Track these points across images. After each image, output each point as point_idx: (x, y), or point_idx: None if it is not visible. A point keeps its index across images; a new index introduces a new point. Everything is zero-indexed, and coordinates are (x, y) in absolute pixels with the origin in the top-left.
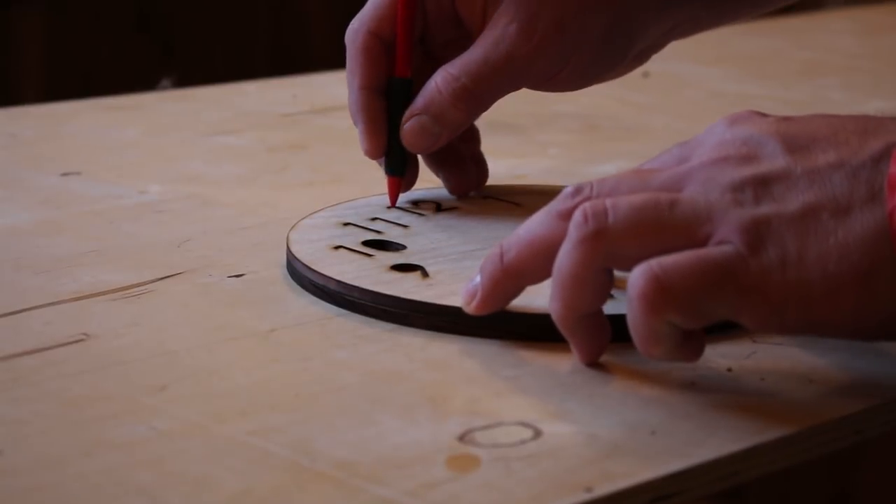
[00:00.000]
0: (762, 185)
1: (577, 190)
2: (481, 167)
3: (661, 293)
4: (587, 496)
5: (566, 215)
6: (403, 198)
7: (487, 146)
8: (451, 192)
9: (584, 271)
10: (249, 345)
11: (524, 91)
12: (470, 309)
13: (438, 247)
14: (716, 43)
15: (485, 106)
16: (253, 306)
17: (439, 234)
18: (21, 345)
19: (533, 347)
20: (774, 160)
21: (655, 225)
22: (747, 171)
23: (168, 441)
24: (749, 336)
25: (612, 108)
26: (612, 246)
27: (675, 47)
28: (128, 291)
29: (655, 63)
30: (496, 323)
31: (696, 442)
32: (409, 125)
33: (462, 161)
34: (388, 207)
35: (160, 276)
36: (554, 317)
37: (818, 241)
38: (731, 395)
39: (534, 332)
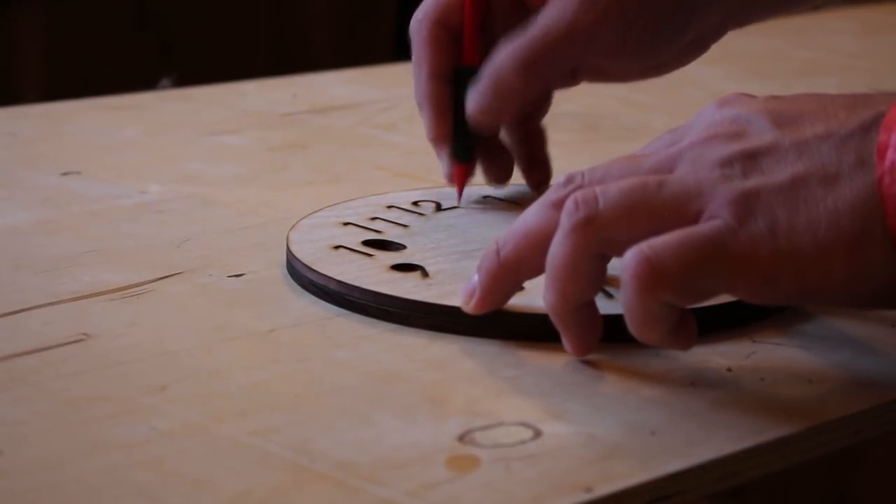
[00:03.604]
0: (750, 159)
1: (569, 179)
2: (545, 168)
3: (653, 273)
4: (587, 496)
5: (559, 204)
6: (403, 198)
7: None
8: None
9: (577, 259)
10: (249, 345)
11: None
12: (469, 308)
13: (438, 246)
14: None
15: (546, 77)
16: (253, 306)
17: (439, 233)
18: (20, 345)
19: (533, 348)
20: (763, 135)
21: (645, 206)
22: (736, 146)
23: (168, 441)
24: (749, 336)
25: (612, 108)
26: (603, 231)
27: None
28: (127, 291)
29: None
30: (496, 323)
31: (695, 442)
32: (474, 99)
33: (499, 150)
34: (457, 201)
35: (160, 276)
36: (547, 308)
37: (807, 208)
38: (730, 396)
39: (534, 332)
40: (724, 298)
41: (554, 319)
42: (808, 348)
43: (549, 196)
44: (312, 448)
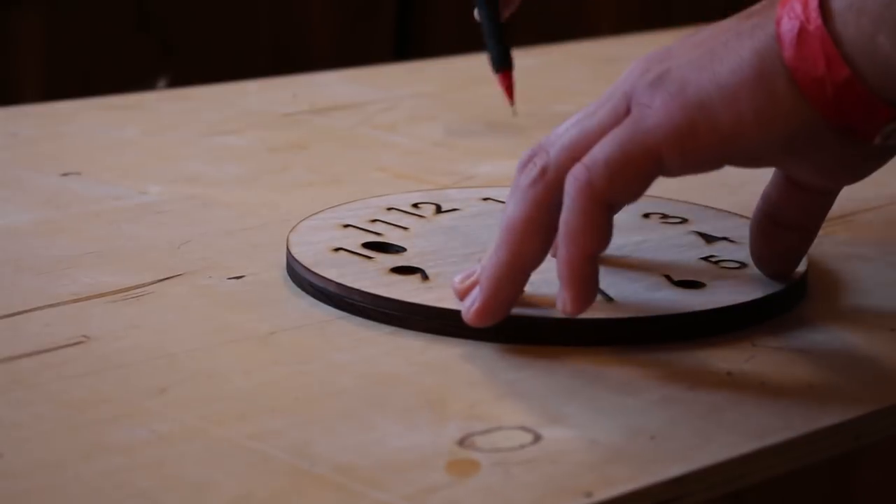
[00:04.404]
0: (665, 52)
1: (529, 156)
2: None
3: (587, 171)
4: (587, 501)
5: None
6: (403, 200)
7: (487, 146)
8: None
9: (538, 215)
10: (249, 347)
11: (523, 91)
12: (470, 316)
13: (438, 249)
14: None
15: None
16: (253, 308)
17: (439, 236)
18: (20, 347)
19: (533, 351)
20: (680, 42)
21: (584, 135)
22: (656, 53)
23: (168, 444)
24: (749, 340)
25: None
26: (556, 176)
27: None
28: (127, 293)
29: None
30: (496, 326)
31: (695, 446)
32: None
33: None
34: (512, 106)
35: (160, 278)
36: (493, 266)
37: (712, 65)
38: (730, 400)
39: (534, 335)
40: (725, 300)
41: (493, 276)
42: (807, 352)
43: (518, 182)
44: (312, 451)
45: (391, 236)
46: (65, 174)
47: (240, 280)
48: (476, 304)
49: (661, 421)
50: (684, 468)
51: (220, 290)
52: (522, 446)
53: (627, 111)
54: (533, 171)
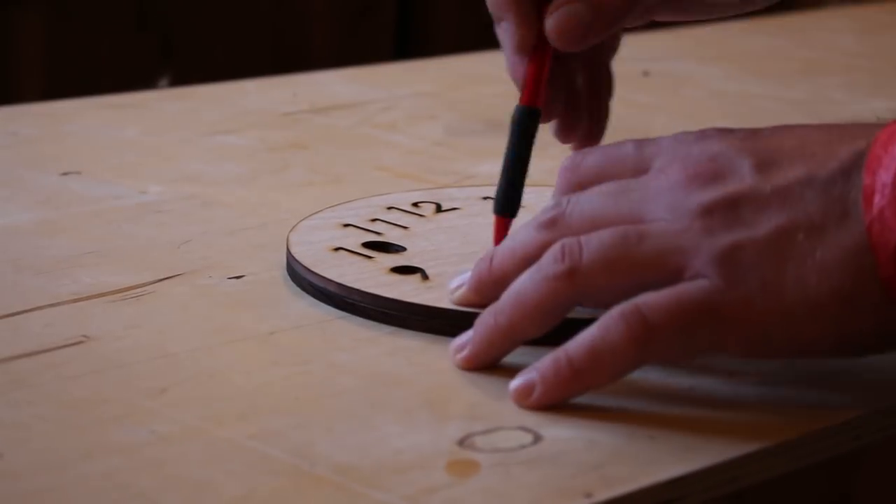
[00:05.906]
0: (731, 209)
1: (556, 204)
2: (600, 122)
3: (647, 331)
4: (587, 501)
5: (545, 226)
6: (403, 199)
7: (487, 146)
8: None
9: (550, 305)
10: (249, 347)
11: None
12: (456, 298)
13: (439, 248)
14: (716, 41)
15: None
16: (253, 308)
17: (439, 235)
18: (20, 347)
19: (532, 351)
20: (742, 179)
21: (626, 260)
22: (715, 193)
23: (168, 445)
24: None
25: (612, 109)
26: (583, 284)
27: (675, 45)
28: (127, 293)
29: (656, 62)
30: None
31: (695, 447)
32: (558, 13)
33: (576, 103)
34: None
35: (160, 278)
36: (491, 327)
37: (796, 264)
38: (730, 400)
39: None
40: None
41: (487, 336)
42: None
43: (537, 218)
44: (312, 451)
45: (391, 236)
46: (65, 174)
47: (240, 280)
48: (465, 354)
49: (660, 421)
50: (684, 468)
51: (220, 289)
52: (522, 446)
53: (683, 259)
54: (561, 266)
